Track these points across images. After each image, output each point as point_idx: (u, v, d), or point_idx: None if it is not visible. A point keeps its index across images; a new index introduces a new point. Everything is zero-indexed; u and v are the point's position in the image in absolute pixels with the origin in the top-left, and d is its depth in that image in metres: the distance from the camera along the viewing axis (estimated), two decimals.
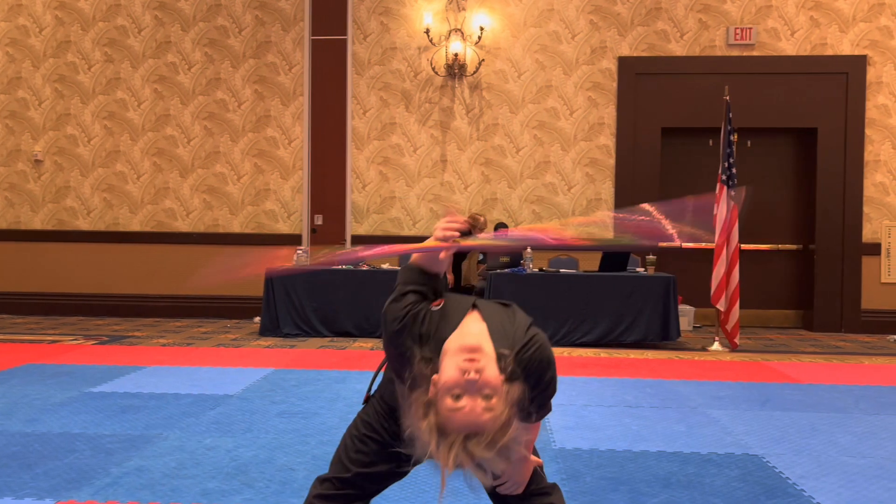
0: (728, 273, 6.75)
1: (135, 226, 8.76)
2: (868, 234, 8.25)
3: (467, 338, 1.50)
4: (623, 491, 2.85)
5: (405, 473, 1.78)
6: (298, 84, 8.64)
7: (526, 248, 7.12)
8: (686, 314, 7.90)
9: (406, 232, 8.50)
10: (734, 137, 7.03)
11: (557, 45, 8.45)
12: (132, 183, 8.77)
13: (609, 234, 1.76)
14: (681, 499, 2.78)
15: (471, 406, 1.40)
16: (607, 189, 8.44)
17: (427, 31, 8.35)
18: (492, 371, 1.44)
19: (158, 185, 8.75)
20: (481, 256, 7.82)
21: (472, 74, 8.43)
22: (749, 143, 8.44)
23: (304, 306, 7.13)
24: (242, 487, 2.82)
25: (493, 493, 1.71)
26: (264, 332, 7.14)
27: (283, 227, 8.65)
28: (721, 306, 6.75)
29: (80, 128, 8.79)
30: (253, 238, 8.65)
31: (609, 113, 8.43)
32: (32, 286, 8.76)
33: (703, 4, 8.36)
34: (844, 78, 8.23)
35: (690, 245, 8.56)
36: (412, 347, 1.54)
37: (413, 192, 8.55)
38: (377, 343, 6.65)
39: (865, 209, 8.24)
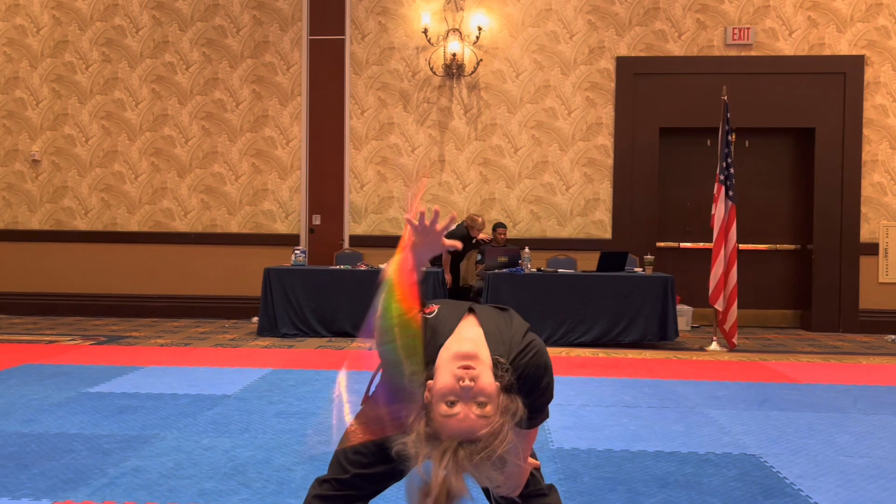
0: (726, 273, 6.75)
1: (132, 226, 8.75)
2: (866, 234, 8.26)
3: (463, 344, 1.50)
4: (621, 491, 2.84)
5: (404, 474, 1.78)
6: (296, 84, 8.63)
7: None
8: (684, 314, 7.90)
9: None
10: (732, 137, 7.04)
11: (555, 45, 8.45)
12: (130, 183, 8.77)
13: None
14: (678, 499, 2.78)
15: (465, 413, 1.40)
16: (605, 189, 8.44)
17: (425, 31, 8.35)
18: (487, 378, 1.44)
19: (156, 185, 8.75)
20: (479, 257, 7.82)
21: (471, 74, 8.43)
22: (747, 142, 8.45)
23: (302, 306, 7.13)
24: (240, 487, 2.82)
25: (490, 494, 1.71)
26: (262, 332, 7.13)
27: (281, 227, 8.65)
28: (719, 306, 6.76)
29: (78, 128, 8.78)
30: (251, 238, 8.64)
31: (607, 113, 8.43)
32: (30, 286, 8.74)
33: (701, 4, 8.36)
34: (842, 78, 8.23)
35: (688, 245, 8.58)
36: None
37: (411, 193, 8.54)
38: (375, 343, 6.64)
39: (863, 209, 8.25)
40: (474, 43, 8.38)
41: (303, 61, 8.61)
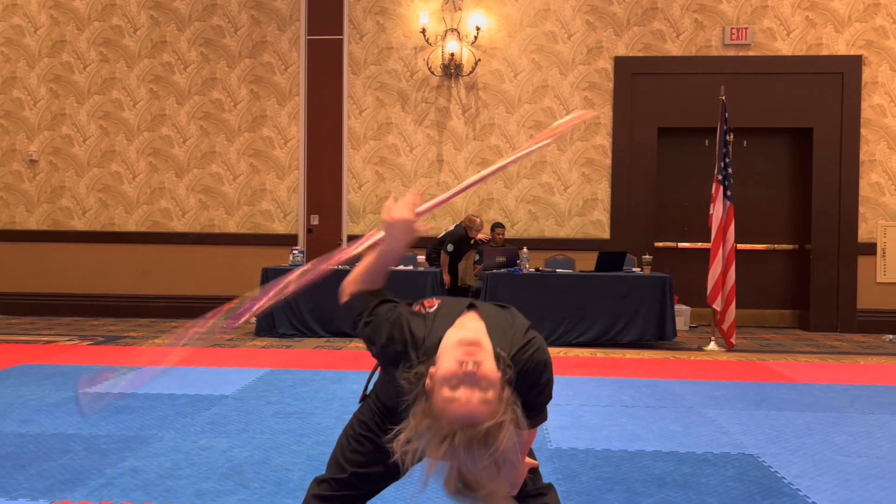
0: (724, 273, 6.75)
1: (130, 226, 8.74)
2: (864, 233, 8.26)
3: (466, 332, 1.49)
4: (619, 491, 2.84)
5: (403, 474, 1.77)
6: (294, 84, 8.63)
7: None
8: (682, 314, 7.91)
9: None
10: (730, 137, 7.04)
11: (553, 45, 8.45)
12: (128, 183, 8.76)
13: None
14: (676, 498, 2.78)
15: (467, 397, 1.38)
16: (603, 189, 8.44)
17: (423, 31, 8.35)
18: (490, 365, 1.43)
19: (154, 185, 8.74)
20: (478, 257, 7.82)
21: (469, 74, 8.43)
22: (745, 142, 8.46)
23: (300, 306, 7.12)
24: (237, 488, 2.82)
25: None
26: (260, 332, 7.13)
27: (279, 227, 8.64)
28: (717, 306, 6.76)
29: (76, 128, 8.77)
30: (249, 238, 8.63)
31: (605, 113, 8.43)
32: (28, 286, 8.73)
33: (699, 4, 8.37)
34: (840, 78, 8.24)
35: (687, 245, 8.58)
36: (405, 350, 1.54)
37: (409, 192, 8.53)
38: None
39: (861, 209, 8.26)
40: (472, 43, 8.38)
41: (301, 61, 8.60)
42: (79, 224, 8.77)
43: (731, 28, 8.30)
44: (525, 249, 7.29)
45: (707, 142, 8.22)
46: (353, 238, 8.54)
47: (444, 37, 8.39)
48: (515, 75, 8.48)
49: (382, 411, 1.71)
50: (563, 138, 8.46)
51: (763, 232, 8.55)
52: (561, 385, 4.77)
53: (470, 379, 1.39)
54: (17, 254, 8.76)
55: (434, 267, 7.66)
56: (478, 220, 7.88)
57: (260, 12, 8.64)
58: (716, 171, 6.89)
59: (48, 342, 6.56)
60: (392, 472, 1.74)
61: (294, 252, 7.50)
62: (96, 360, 5.56)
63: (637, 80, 8.39)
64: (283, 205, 8.65)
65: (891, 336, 7.79)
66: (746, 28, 8.29)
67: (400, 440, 1.41)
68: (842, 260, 8.25)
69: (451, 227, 7.99)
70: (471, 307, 1.61)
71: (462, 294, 7.84)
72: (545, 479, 1.81)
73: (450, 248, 7.79)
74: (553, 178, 8.47)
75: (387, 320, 1.59)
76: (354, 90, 8.58)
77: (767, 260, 8.61)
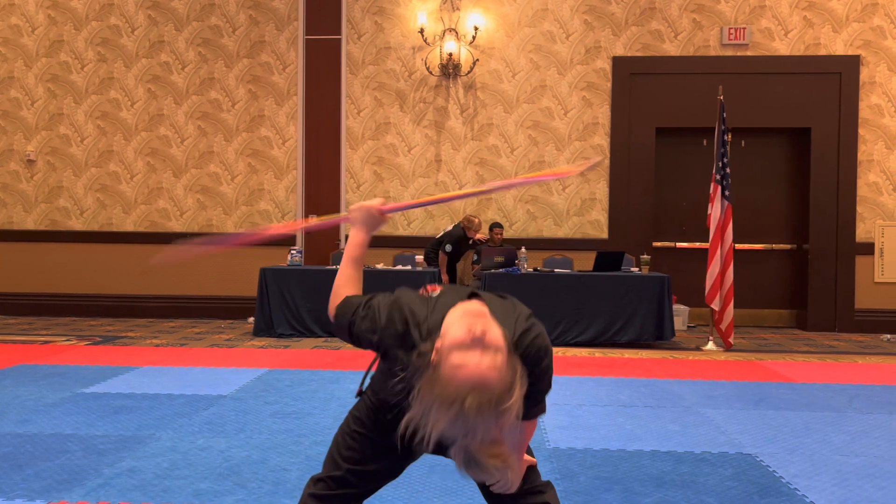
0: (722, 273, 6.75)
1: (128, 226, 8.73)
2: (861, 233, 8.27)
3: (471, 306, 1.49)
4: (617, 490, 2.84)
5: (399, 472, 1.77)
6: (292, 84, 8.62)
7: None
8: (680, 314, 7.91)
9: (401, 232, 8.49)
10: (728, 137, 7.04)
11: (552, 44, 8.46)
12: (125, 183, 8.75)
13: None
14: (674, 498, 2.78)
15: (477, 361, 1.36)
16: (601, 189, 8.44)
17: (421, 31, 8.35)
18: (496, 332, 1.41)
19: (152, 185, 8.73)
20: (476, 257, 7.82)
21: (467, 74, 8.42)
22: (743, 142, 8.46)
23: (298, 306, 7.12)
24: (235, 488, 2.81)
25: (486, 491, 1.70)
26: (258, 332, 7.12)
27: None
28: (715, 306, 6.76)
29: (73, 127, 8.76)
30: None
31: (603, 113, 8.44)
32: (25, 287, 8.72)
33: (697, 4, 8.37)
34: (838, 78, 8.25)
35: (685, 244, 8.58)
36: (406, 331, 1.52)
37: (408, 193, 8.54)
38: None
39: (859, 209, 8.26)
40: (470, 43, 8.38)
41: (299, 61, 8.60)
42: (76, 224, 8.76)
43: (729, 28, 8.31)
44: (523, 249, 7.29)
45: (705, 142, 8.23)
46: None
47: (442, 37, 8.39)
48: (513, 75, 8.48)
49: (378, 407, 1.71)
50: (560, 139, 8.46)
51: (761, 232, 8.56)
52: (559, 385, 4.78)
53: (479, 343, 1.38)
54: (15, 254, 8.75)
55: (432, 267, 7.66)
56: (476, 220, 7.88)
57: (258, 12, 8.63)
58: (714, 171, 6.89)
59: (46, 342, 6.55)
60: (388, 470, 1.73)
61: (292, 252, 7.50)
62: (94, 360, 5.55)
63: (635, 80, 8.39)
64: (281, 205, 8.64)
65: (889, 336, 7.80)
66: (744, 28, 8.30)
67: (406, 418, 1.38)
68: (840, 260, 8.25)
69: (450, 228, 7.99)
70: (472, 295, 1.61)
71: None
72: (543, 479, 1.80)
73: (448, 248, 7.79)
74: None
75: (385, 304, 1.58)
76: (352, 90, 8.58)
77: (765, 260, 8.61)
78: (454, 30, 8.39)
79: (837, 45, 8.28)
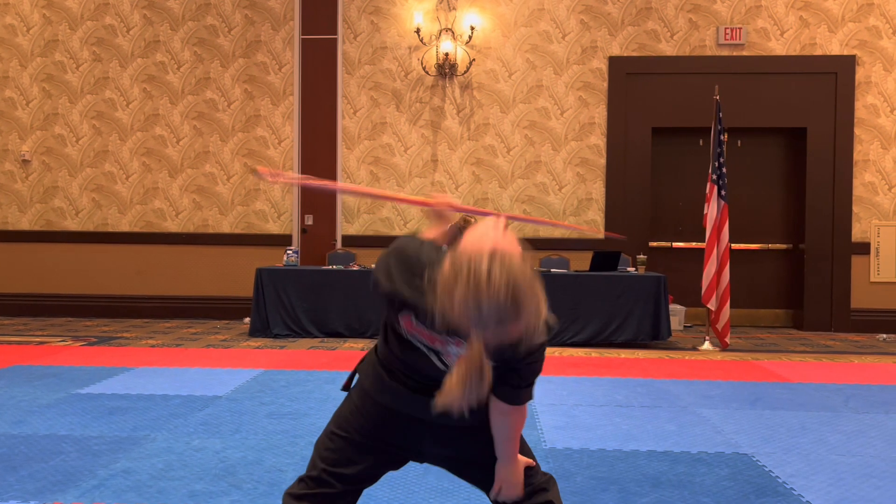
0: (719, 273, 6.76)
1: (124, 226, 8.71)
2: (857, 233, 8.28)
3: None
4: (613, 491, 2.84)
5: (378, 477, 1.73)
6: (288, 83, 8.61)
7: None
8: (677, 314, 7.91)
9: (397, 232, 8.48)
10: (724, 137, 7.05)
11: (548, 44, 8.45)
12: (121, 183, 8.72)
13: None
14: (671, 498, 2.77)
15: (487, 230, 1.41)
16: (598, 189, 8.44)
17: (417, 31, 8.34)
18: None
19: (147, 185, 8.71)
20: None
21: (463, 74, 8.42)
22: (739, 142, 8.47)
23: (294, 307, 7.10)
24: (230, 489, 2.80)
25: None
26: (254, 332, 7.11)
27: (274, 228, 8.62)
28: (712, 306, 6.77)
29: (69, 127, 8.73)
30: (243, 238, 8.61)
31: (600, 113, 8.44)
32: (20, 287, 8.69)
33: (693, 4, 8.38)
34: (834, 78, 8.26)
35: (681, 244, 8.59)
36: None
37: (403, 192, 8.53)
38: (368, 344, 6.63)
39: (855, 209, 8.28)
40: (467, 42, 8.37)
41: (295, 61, 8.58)
42: (72, 224, 8.73)
43: (725, 28, 8.31)
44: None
45: (701, 141, 8.24)
46: (347, 238, 8.53)
47: (438, 36, 8.39)
48: (510, 75, 8.47)
49: (383, 364, 1.68)
50: (557, 139, 8.46)
51: (757, 231, 8.57)
52: (556, 385, 4.78)
53: (492, 222, 1.44)
54: (10, 254, 8.72)
55: None
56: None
57: (254, 12, 8.61)
58: (710, 171, 6.89)
59: (41, 343, 6.53)
60: (367, 475, 1.70)
61: (288, 252, 7.49)
62: (89, 360, 5.53)
63: (631, 80, 8.40)
64: (277, 205, 8.63)
65: (885, 335, 7.81)
66: (740, 28, 8.30)
67: (432, 297, 1.41)
68: (836, 259, 8.27)
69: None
70: None
71: None
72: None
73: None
74: (548, 178, 8.47)
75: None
76: (349, 90, 8.56)
77: (762, 259, 8.62)
78: (450, 29, 8.38)
79: (833, 46, 8.29)
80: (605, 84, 8.42)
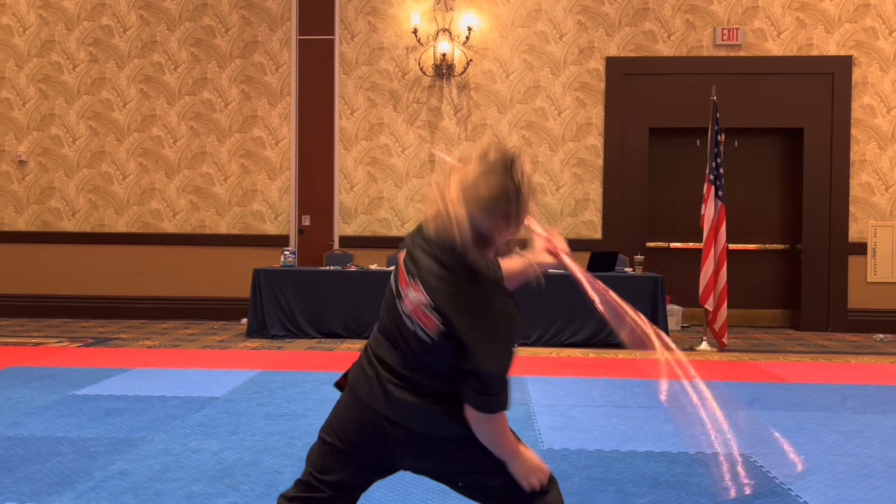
0: (716, 273, 6.76)
1: (120, 227, 8.70)
2: (854, 233, 8.29)
3: None
4: (611, 491, 2.84)
5: (364, 486, 1.72)
6: (285, 84, 8.60)
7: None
8: (674, 314, 7.91)
9: (394, 232, 8.48)
10: (721, 137, 7.06)
11: (545, 45, 8.45)
12: (118, 184, 8.71)
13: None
14: (669, 499, 2.77)
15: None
16: (595, 189, 8.45)
17: (415, 31, 8.33)
18: None
19: (144, 185, 8.69)
20: None
21: (460, 75, 8.42)
22: (736, 143, 8.48)
23: (291, 307, 7.10)
24: (227, 490, 2.80)
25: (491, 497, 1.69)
26: (251, 333, 7.09)
27: (271, 228, 8.61)
28: (709, 306, 6.77)
29: (65, 128, 8.72)
30: (240, 239, 8.60)
31: (597, 113, 8.44)
32: (16, 288, 8.67)
33: (690, 5, 8.38)
34: (830, 78, 8.27)
35: (678, 245, 8.59)
36: None
37: (401, 193, 8.53)
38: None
39: (851, 209, 8.29)
40: (464, 43, 8.37)
41: (292, 61, 8.57)
42: (68, 225, 8.71)
43: (722, 28, 8.32)
44: (518, 250, 7.27)
45: (698, 142, 8.24)
46: (344, 239, 8.52)
47: (435, 37, 8.38)
48: (507, 75, 8.47)
49: (357, 364, 1.68)
50: (554, 139, 8.46)
51: (754, 232, 8.57)
52: (553, 385, 4.78)
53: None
54: (6, 255, 8.70)
55: None
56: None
57: (251, 12, 8.60)
58: (707, 172, 6.90)
59: (37, 344, 6.51)
60: (353, 483, 1.69)
61: (285, 253, 7.48)
62: (86, 362, 5.52)
63: (628, 81, 8.40)
64: (274, 205, 8.62)
65: (881, 335, 7.82)
66: (737, 28, 8.31)
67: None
68: (833, 260, 8.28)
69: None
70: None
71: None
72: None
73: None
74: (545, 179, 8.46)
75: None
76: (346, 90, 8.56)
77: (759, 260, 8.63)
78: (448, 30, 8.38)
79: (830, 46, 8.30)
80: (603, 85, 8.42)
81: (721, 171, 6.87)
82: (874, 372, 5.67)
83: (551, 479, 1.72)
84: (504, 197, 1.48)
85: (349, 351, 6.32)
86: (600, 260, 7.13)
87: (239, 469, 3.04)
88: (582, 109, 8.44)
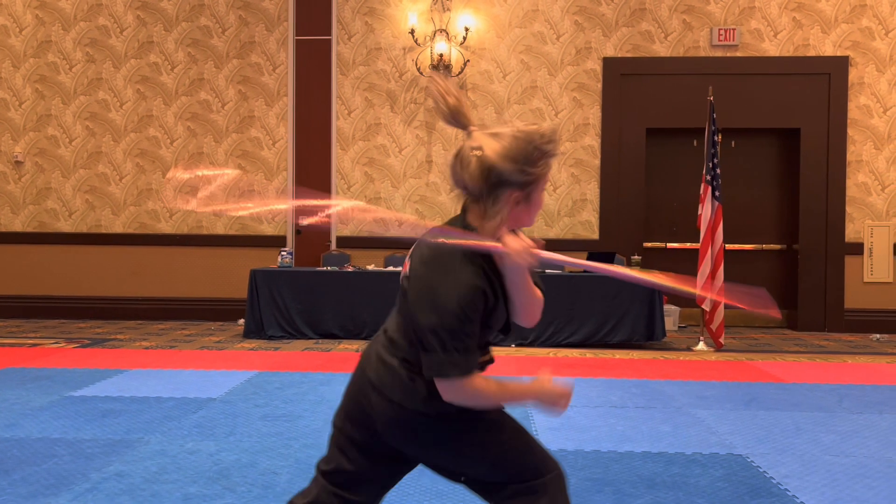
0: (713, 273, 6.77)
1: (117, 227, 8.68)
2: (851, 233, 8.31)
3: None
4: (608, 492, 2.84)
5: (366, 481, 1.71)
6: (283, 84, 8.59)
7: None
8: (671, 314, 7.92)
9: (392, 233, 8.45)
10: (718, 138, 7.06)
11: (542, 45, 8.46)
12: (114, 184, 8.69)
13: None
14: (665, 499, 2.77)
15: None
16: (592, 189, 8.45)
17: (412, 32, 8.33)
18: None
19: (141, 186, 8.68)
20: None
21: (458, 75, 8.41)
22: (733, 143, 8.49)
23: (288, 308, 7.09)
24: (224, 492, 2.79)
25: (487, 491, 1.67)
26: (248, 334, 7.09)
27: (268, 229, 8.60)
28: (706, 306, 6.78)
29: (62, 129, 8.70)
30: (237, 239, 8.59)
31: (594, 113, 8.44)
32: (13, 289, 8.65)
33: (687, 5, 8.39)
34: (827, 79, 8.28)
35: (675, 245, 8.60)
36: None
37: (399, 193, 8.53)
38: (363, 345, 6.62)
39: (848, 209, 8.30)
40: (461, 43, 8.37)
41: (289, 62, 8.57)
42: (65, 226, 8.70)
43: (719, 29, 8.33)
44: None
45: (695, 142, 8.24)
46: (342, 239, 8.51)
47: (432, 37, 8.38)
48: (504, 76, 8.47)
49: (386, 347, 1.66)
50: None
51: (751, 232, 8.59)
52: None
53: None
54: (2, 256, 8.68)
55: None
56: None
57: (248, 12, 8.60)
58: (704, 172, 6.91)
59: (34, 345, 6.50)
60: (355, 475, 1.68)
61: (282, 253, 7.47)
62: (82, 363, 5.51)
63: (625, 81, 8.41)
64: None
65: (878, 335, 7.84)
66: (734, 29, 8.32)
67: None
68: (829, 260, 8.29)
69: None
70: None
71: None
72: None
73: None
74: None
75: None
76: (343, 91, 8.55)
77: (755, 260, 8.64)
78: (445, 30, 8.38)
79: (826, 47, 8.31)
80: (600, 85, 8.43)
81: (718, 171, 6.88)
82: (871, 372, 5.68)
83: (558, 479, 1.68)
84: (529, 146, 1.55)
85: (346, 352, 6.32)
86: (597, 260, 7.13)
87: (236, 470, 3.04)
88: (579, 110, 8.45)
